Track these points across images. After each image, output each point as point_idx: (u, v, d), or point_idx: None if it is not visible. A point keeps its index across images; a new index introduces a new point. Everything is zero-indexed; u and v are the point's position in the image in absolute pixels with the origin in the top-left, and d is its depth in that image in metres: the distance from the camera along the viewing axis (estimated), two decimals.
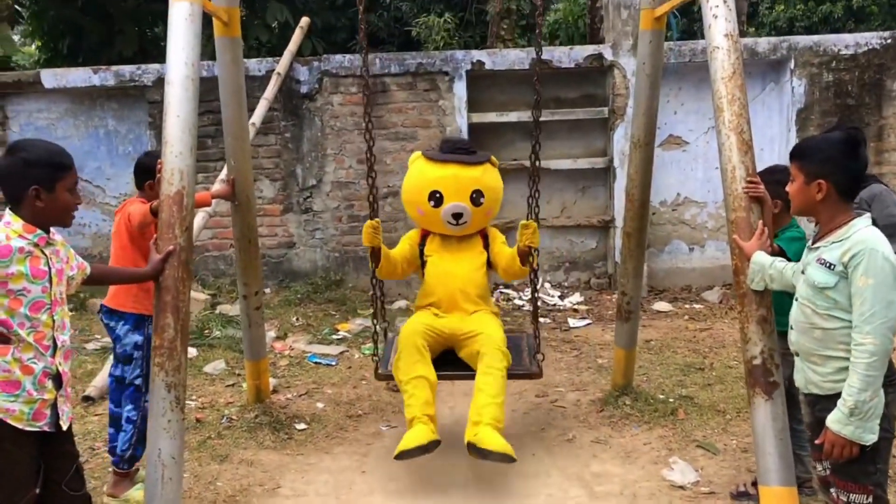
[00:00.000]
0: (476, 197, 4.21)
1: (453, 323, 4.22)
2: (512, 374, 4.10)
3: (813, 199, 2.63)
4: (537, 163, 4.18)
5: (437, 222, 4.30)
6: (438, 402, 5.17)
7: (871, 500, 2.56)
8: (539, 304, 4.32)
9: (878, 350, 2.41)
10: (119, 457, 3.89)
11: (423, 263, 4.39)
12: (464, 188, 4.19)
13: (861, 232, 2.52)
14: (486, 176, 4.27)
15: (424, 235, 4.45)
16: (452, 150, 4.27)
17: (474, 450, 3.73)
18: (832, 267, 2.53)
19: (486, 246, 4.40)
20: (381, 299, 4.47)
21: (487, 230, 4.49)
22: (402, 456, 3.77)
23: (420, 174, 4.31)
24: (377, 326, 4.44)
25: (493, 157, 4.39)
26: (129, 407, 3.87)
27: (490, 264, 4.41)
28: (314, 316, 7.38)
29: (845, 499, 2.60)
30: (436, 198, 4.21)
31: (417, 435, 3.79)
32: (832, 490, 2.66)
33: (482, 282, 4.34)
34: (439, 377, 4.08)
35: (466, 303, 4.26)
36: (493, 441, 3.70)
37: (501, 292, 8.09)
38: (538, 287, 4.46)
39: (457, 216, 4.22)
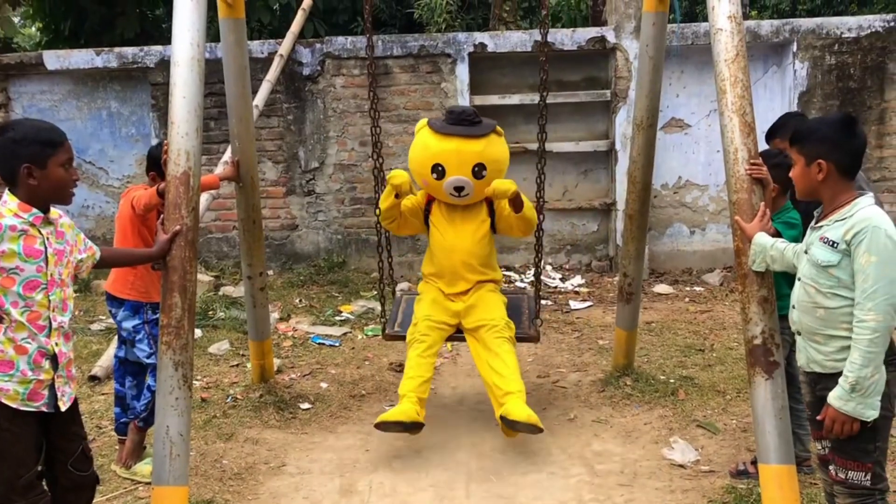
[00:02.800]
0: (478, 170, 4.29)
1: (458, 306, 4.45)
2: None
3: (815, 180, 2.66)
4: (544, 145, 4.36)
5: (441, 193, 4.43)
6: (440, 381, 5.21)
7: (868, 477, 2.60)
8: (541, 284, 4.48)
9: (880, 327, 2.45)
10: (137, 415, 3.97)
11: (428, 229, 4.58)
12: (465, 162, 4.27)
13: (864, 210, 2.55)
14: (490, 149, 4.33)
15: (430, 200, 4.59)
16: (457, 121, 4.32)
17: (506, 422, 3.93)
18: (835, 245, 2.56)
19: (492, 213, 4.50)
20: (389, 260, 4.78)
21: None
22: (381, 426, 4.01)
23: (423, 147, 4.41)
24: (384, 290, 4.78)
25: (499, 127, 4.43)
26: (151, 380, 3.88)
27: (496, 230, 4.56)
28: (317, 298, 7.41)
29: (843, 476, 2.64)
30: (438, 171, 4.32)
31: (404, 410, 4.01)
32: (831, 467, 2.70)
33: (485, 251, 4.49)
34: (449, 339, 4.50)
35: (470, 273, 4.44)
36: (521, 412, 3.89)
37: (504, 274, 8.11)
38: (541, 256, 4.69)
39: (458, 189, 4.34)
